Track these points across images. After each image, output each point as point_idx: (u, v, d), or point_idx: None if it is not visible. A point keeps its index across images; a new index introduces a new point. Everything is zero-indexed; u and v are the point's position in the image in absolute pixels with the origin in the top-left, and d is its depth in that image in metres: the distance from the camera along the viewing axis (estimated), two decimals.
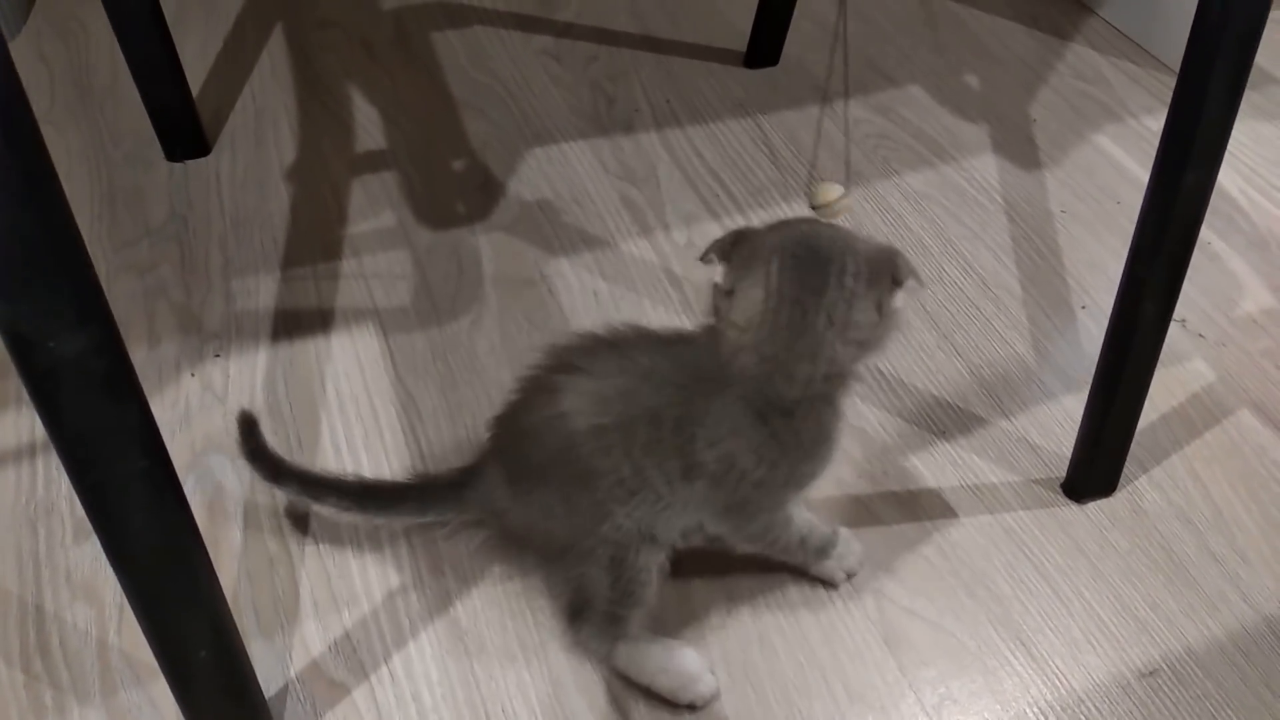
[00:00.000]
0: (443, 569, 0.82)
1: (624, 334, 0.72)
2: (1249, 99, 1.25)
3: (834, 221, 0.92)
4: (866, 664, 0.77)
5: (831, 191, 0.84)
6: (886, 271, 0.65)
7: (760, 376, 0.66)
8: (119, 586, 0.62)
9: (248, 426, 0.80)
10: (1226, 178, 1.17)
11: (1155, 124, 1.24)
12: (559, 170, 1.18)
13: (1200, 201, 0.74)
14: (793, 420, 0.67)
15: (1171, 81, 0.71)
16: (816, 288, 0.64)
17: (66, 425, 0.54)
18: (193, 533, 0.62)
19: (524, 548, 0.80)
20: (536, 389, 0.72)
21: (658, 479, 0.69)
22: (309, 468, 0.83)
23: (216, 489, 0.87)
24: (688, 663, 0.74)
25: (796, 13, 1.30)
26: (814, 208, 0.83)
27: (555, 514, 0.72)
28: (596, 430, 0.68)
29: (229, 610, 0.66)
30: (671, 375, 0.68)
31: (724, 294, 0.67)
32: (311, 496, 0.80)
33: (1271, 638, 0.79)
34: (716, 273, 0.68)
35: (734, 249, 0.67)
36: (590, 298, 1.03)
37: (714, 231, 1.10)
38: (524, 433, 0.73)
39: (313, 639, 0.78)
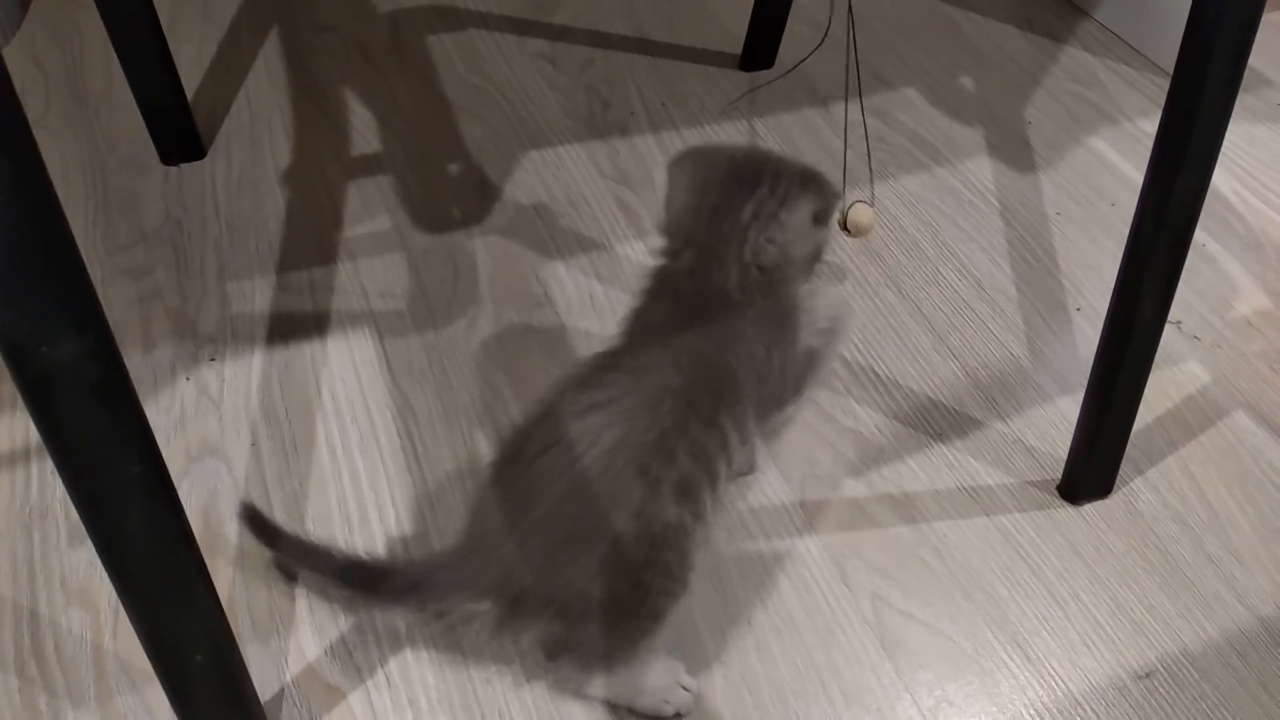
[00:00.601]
0: None
1: (600, 359, 0.70)
2: (1243, 101, 1.25)
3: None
4: (863, 667, 0.77)
5: (865, 214, 0.91)
6: (821, 187, 0.69)
7: (702, 271, 0.69)
8: (114, 591, 0.62)
9: (254, 518, 0.78)
10: (1221, 180, 1.17)
11: (1150, 126, 1.24)
12: (555, 174, 1.18)
13: (1194, 204, 0.74)
14: (754, 302, 0.70)
15: (1166, 84, 0.72)
16: (747, 182, 0.69)
17: (61, 430, 0.54)
18: (187, 537, 0.62)
19: (536, 615, 0.69)
20: (552, 439, 0.66)
21: (734, 439, 0.68)
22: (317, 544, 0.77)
23: (212, 493, 0.87)
24: (660, 678, 0.73)
25: (791, 16, 1.30)
26: (846, 229, 0.90)
27: (604, 566, 0.65)
28: (658, 439, 0.64)
29: (224, 615, 0.66)
30: (679, 353, 0.67)
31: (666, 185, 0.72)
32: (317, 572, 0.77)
33: (1267, 639, 0.79)
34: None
35: (685, 152, 0.73)
36: (586, 300, 1.03)
37: None
38: (571, 491, 0.65)
39: (308, 644, 0.78)
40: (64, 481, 0.56)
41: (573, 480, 0.64)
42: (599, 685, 0.74)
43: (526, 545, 0.66)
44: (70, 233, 0.51)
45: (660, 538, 0.65)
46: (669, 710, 0.74)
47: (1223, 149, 0.73)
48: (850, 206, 0.94)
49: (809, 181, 0.70)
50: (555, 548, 0.66)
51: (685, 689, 0.74)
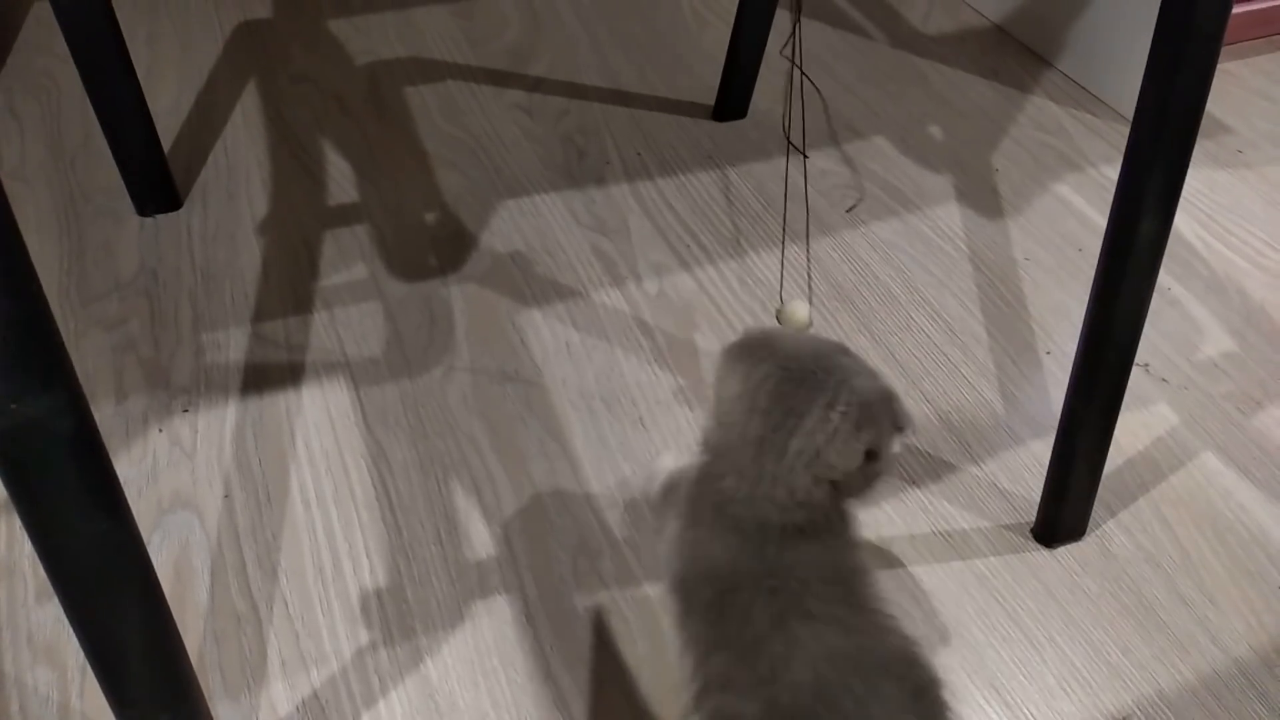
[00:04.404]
0: (413, 626, 0.81)
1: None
2: (1203, 147, 1.28)
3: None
4: None
5: (800, 311, 0.88)
6: (882, 417, 0.59)
7: (744, 498, 0.60)
8: (81, 649, 0.61)
9: None
10: (1184, 225, 1.20)
11: (1113, 172, 1.26)
12: (531, 222, 1.19)
13: (1157, 249, 0.76)
14: (805, 544, 0.60)
15: (1127, 131, 0.73)
16: (797, 410, 0.58)
17: (29, 485, 0.54)
18: (157, 594, 0.62)
19: None
20: None
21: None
22: None
23: (183, 547, 0.86)
24: None
25: (763, 66, 1.32)
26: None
27: None
28: None
29: (193, 671, 0.65)
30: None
31: (713, 385, 0.62)
32: None
33: (1242, 680, 0.79)
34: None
35: (740, 344, 0.62)
36: (562, 348, 1.04)
37: (685, 282, 1.11)
38: None
39: (280, 700, 0.77)
40: (30, 537, 0.56)
41: None
42: None
43: None
44: (40, 287, 0.51)
45: None
46: None
47: (1185, 194, 0.74)
48: (783, 309, 0.91)
49: (867, 415, 0.58)
50: None
51: None
